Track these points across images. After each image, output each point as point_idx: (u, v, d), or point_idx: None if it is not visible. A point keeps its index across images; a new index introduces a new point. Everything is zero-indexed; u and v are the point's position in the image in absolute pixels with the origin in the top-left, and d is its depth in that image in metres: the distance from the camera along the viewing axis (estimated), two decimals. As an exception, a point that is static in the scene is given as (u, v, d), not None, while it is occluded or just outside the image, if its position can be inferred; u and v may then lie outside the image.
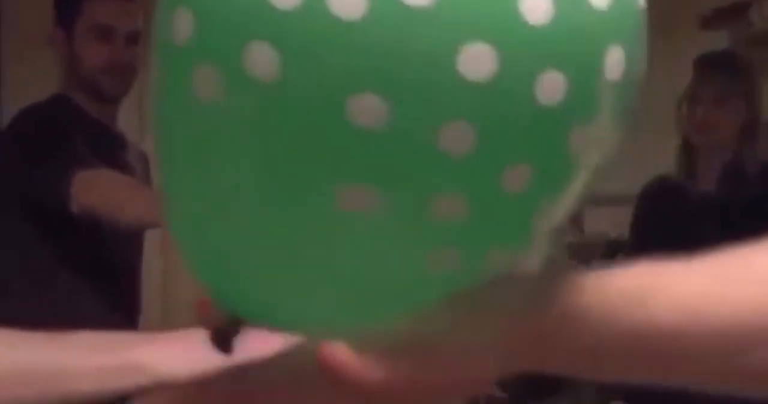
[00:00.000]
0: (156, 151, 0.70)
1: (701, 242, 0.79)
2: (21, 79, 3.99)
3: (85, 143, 2.48)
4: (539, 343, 0.69)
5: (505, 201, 0.65)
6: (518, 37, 0.62)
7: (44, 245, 2.54)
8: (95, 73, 2.57)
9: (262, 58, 0.62)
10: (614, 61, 0.65)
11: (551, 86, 0.63)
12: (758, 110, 2.85)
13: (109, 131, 2.67)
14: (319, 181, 0.63)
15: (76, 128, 2.53)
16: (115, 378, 0.99)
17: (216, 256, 0.69)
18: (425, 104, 0.61)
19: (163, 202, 0.70)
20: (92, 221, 2.37)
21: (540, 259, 0.71)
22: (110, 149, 2.61)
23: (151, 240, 2.80)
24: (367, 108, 0.61)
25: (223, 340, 0.71)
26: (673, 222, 2.87)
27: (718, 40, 3.79)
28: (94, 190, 2.35)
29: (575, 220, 4.50)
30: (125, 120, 2.80)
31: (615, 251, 3.91)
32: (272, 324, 0.71)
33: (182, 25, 0.65)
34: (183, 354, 0.96)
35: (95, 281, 2.56)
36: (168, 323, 3.46)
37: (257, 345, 0.76)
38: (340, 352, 0.65)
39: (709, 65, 2.87)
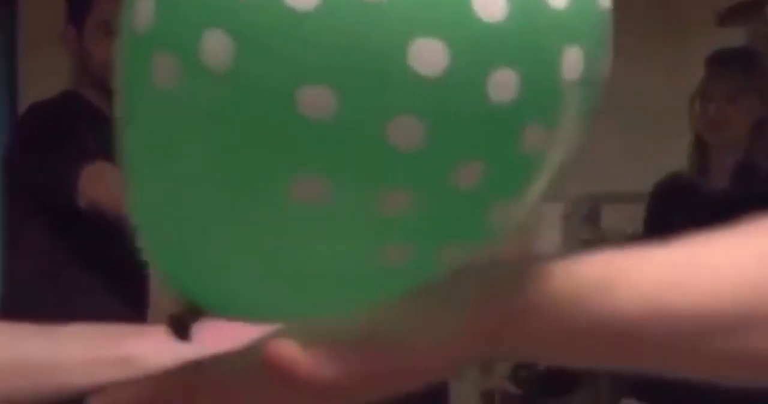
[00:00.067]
0: (119, 140, 0.70)
1: None
2: (36, 75, 4.00)
3: (95, 139, 2.49)
4: (504, 332, 0.68)
5: (456, 198, 0.65)
6: (470, 33, 0.62)
7: (53, 240, 2.55)
8: (105, 69, 2.58)
9: (217, 47, 0.62)
10: (572, 61, 0.65)
11: (504, 84, 0.63)
12: (771, 108, 2.84)
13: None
14: (271, 171, 0.63)
15: (86, 124, 2.54)
16: (105, 370, 1.00)
17: (173, 243, 0.69)
18: (375, 97, 0.61)
19: (127, 190, 0.71)
20: (100, 215, 2.38)
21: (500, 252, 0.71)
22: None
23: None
24: (317, 99, 0.61)
25: (180, 328, 0.72)
26: (686, 220, 2.86)
27: (735, 38, 3.77)
28: (100, 184, 2.36)
29: (592, 217, 4.49)
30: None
31: (631, 248, 3.90)
32: (229, 312, 0.71)
33: (144, 13, 0.66)
34: (173, 346, 0.96)
35: (103, 276, 2.57)
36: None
37: (226, 336, 0.76)
38: (288, 349, 0.65)
39: (721, 62, 2.86)
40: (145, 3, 0.66)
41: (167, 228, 0.69)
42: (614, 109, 4.41)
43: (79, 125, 2.54)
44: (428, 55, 0.61)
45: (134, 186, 0.70)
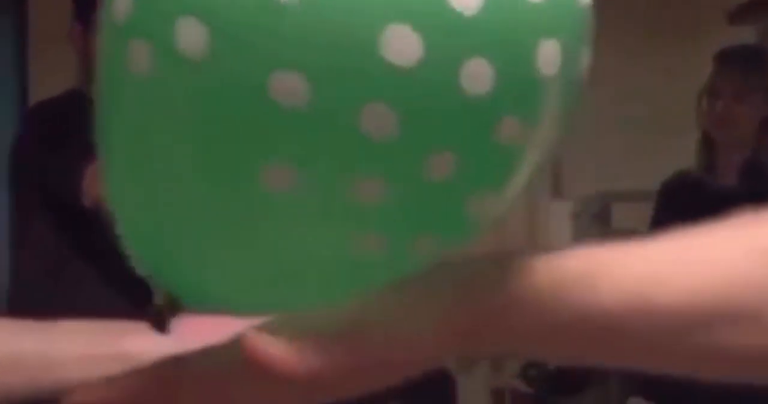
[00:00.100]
0: (97, 131, 0.71)
1: None
2: (47, 74, 4.01)
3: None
4: (486, 326, 0.68)
5: (431, 189, 0.65)
6: (444, 24, 0.62)
7: (59, 237, 2.56)
8: None
9: (191, 34, 0.62)
10: (548, 55, 0.65)
11: (478, 76, 0.63)
12: (778, 106, 2.83)
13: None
14: (243, 158, 0.63)
15: (91, 123, 2.54)
16: (103, 366, 1.00)
17: (149, 233, 0.69)
18: (347, 86, 0.61)
19: (105, 182, 0.71)
20: (104, 214, 2.38)
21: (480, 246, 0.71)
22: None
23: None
24: (290, 87, 0.61)
25: (159, 321, 0.72)
26: (693, 217, 2.84)
27: (745, 36, 3.76)
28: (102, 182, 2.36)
29: (602, 215, 4.48)
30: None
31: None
32: (208, 305, 0.71)
33: (122, 3, 0.66)
34: (170, 343, 0.96)
35: (108, 273, 2.58)
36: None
37: (211, 332, 0.76)
38: (267, 342, 0.65)
39: (729, 60, 2.86)
40: None
41: (143, 218, 0.69)
42: (623, 107, 4.42)
43: (84, 124, 2.54)
44: (402, 45, 0.61)
45: (110, 176, 0.70)
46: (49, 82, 3.17)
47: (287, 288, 0.68)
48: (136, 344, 1.01)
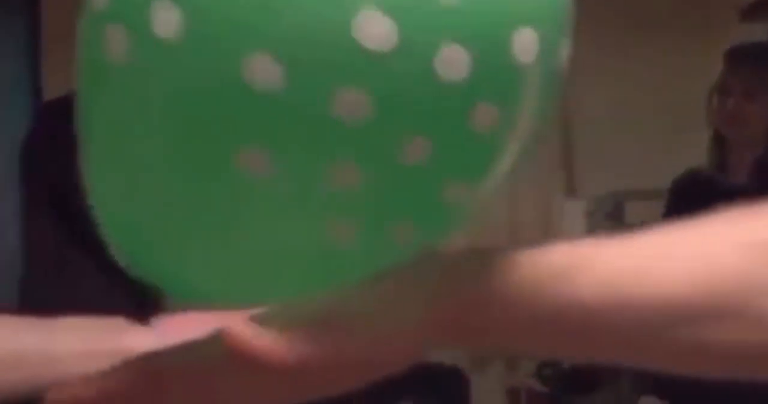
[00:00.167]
0: (79, 121, 0.71)
1: None
2: (59, 72, 4.02)
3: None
4: (467, 320, 0.68)
5: (405, 174, 0.64)
6: (420, 10, 0.62)
7: (65, 234, 2.56)
8: None
9: (166, 18, 0.62)
10: (525, 43, 0.65)
11: (453, 62, 0.62)
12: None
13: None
14: (217, 142, 0.63)
15: None
16: (104, 363, 0.99)
17: (128, 222, 0.69)
18: (319, 69, 0.61)
19: (84, 172, 0.71)
20: None
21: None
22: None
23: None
24: (263, 70, 0.61)
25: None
26: (704, 215, 2.84)
27: (757, 33, 3.74)
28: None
29: (616, 214, 4.47)
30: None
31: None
32: (188, 296, 0.71)
33: None
34: (172, 339, 0.96)
35: (113, 270, 2.58)
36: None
37: (188, 326, 0.76)
38: (249, 332, 0.65)
39: (740, 58, 2.84)
40: None
41: (121, 206, 0.68)
42: (636, 105, 4.38)
43: None
44: (375, 30, 0.61)
45: (90, 165, 0.70)
46: (61, 80, 3.17)
47: (265, 276, 0.68)
48: (138, 340, 1.01)
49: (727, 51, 2.88)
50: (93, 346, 1.01)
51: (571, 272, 0.68)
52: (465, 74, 0.63)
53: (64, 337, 1.03)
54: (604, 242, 0.70)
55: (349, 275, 0.68)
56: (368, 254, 0.67)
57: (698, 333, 0.69)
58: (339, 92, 0.62)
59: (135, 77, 0.64)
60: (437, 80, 0.63)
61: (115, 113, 0.66)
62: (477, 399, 4.27)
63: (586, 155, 4.56)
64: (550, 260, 0.69)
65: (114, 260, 0.71)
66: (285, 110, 0.62)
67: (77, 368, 1.00)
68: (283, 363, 0.65)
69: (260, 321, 0.65)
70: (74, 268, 2.59)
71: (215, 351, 0.66)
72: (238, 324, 0.65)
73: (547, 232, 4.45)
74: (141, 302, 2.59)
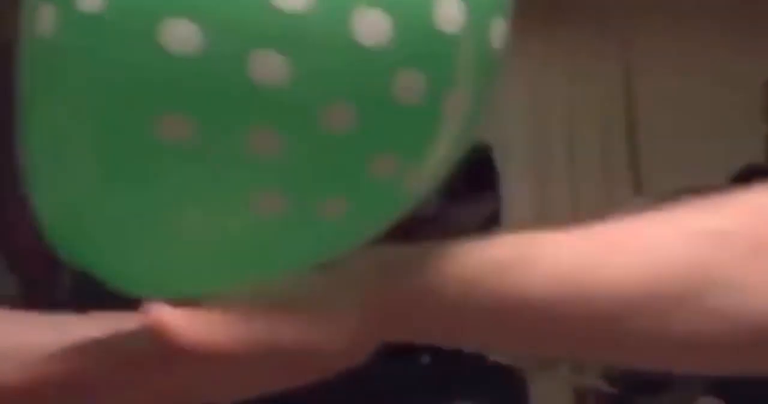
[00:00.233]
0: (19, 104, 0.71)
1: None
2: None
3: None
4: (401, 314, 0.67)
5: (326, 143, 0.63)
6: None
7: None
8: None
9: None
10: (449, 13, 0.64)
11: (373, 26, 0.62)
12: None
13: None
14: (138, 109, 0.63)
15: None
16: None
17: (59, 203, 0.68)
18: (236, 31, 0.61)
19: (25, 162, 0.70)
20: None
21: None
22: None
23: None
24: (180, 34, 0.61)
25: None
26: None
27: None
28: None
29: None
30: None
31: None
32: (125, 284, 0.70)
33: None
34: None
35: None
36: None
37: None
38: (171, 313, 0.64)
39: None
40: None
41: (53, 190, 0.68)
42: (697, 104, 4.34)
43: None
44: None
45: (29, 154, 0.70)
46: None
47: (198, 257, 0.67)
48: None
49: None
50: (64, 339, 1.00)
51: (518, 265, 0.67)
52: (385, 39, 0.62)
53: (73, 333, 1.03)
54: (553, 234, 0.69)
55: (281, 254, 0.67)
56: (299, 231, 0.66)
57: (653, 325, 0.68)
58: (256, 55, 0.61)
59: (61, 52, 0.65)
60: (356, 44, 0.62)
61: (45, 91, 0.67)
62: (541, 401, 4.25)
63: (652, 154, 4.53)
64: (495, 253, 0.68)
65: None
66: (203, 74, 0.61)
67: None
68: (217, 350, 0.64)
69: (200, 308, 0.65)
70: None
71: (145, 339, 0.65)
72: (169, 312, 0.64)
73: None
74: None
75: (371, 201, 0.67)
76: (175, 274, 0.68)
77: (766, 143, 2.89)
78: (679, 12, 4.46)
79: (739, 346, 0.68)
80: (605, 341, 0.69)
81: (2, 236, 2.20)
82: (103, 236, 0.67)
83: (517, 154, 4.71)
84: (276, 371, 0.67)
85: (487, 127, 4.36)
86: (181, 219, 0.65)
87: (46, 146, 0.67)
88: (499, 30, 0.67)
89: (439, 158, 0.67)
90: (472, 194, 3.98)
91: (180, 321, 0.63)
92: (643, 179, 4.61)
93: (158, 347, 0.63)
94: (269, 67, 0.61)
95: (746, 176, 2.97)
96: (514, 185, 4.49)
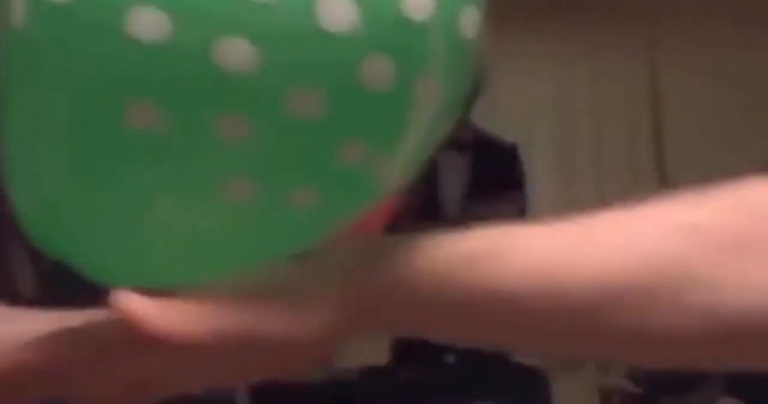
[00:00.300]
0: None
1: None
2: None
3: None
4: (375, 306, 0.67)
5: (295, 129, 0.64)
6: None
7: None
8: None
9: None
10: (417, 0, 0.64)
11: (339, 13, 0.62)
12: None
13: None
14: (107, 98, 0.63)
15: None
16: None
17: (37, 200, 0.69)
18: (203, 19, 0.61)
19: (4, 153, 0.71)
20: None
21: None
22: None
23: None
24: (147, 22, 0.61)
25: None
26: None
27: None
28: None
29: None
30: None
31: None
32: (103, 276, 0.70)
33: None
34: None
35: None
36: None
37: None
38: (141, 302, 0.64)
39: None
40: None
41: (30, 177, 0.68)
42: (723, 107, 4.30)
43: None
44: None
45: (6, 143, 0.70)
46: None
47: (172, 246, 0.67)
48: None
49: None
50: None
51: (488, 257, 0.67)
52: (352, 26, 0.62)
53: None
54: (527, 227, 0.69)
55: (253, 243, 0.67)
56: (270, 218, 0.66)
57: (628, 319, 0.67)
58: (223, 43, 0.61)
59: (32, 43, 0.65)
60: (323, 32, 0.62)
61: (19, 82, 0.67)
62: (565, 401, 4.24)
63: (677, 153, 4.51)
64: (466, 246, 0.68)
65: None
66: (171, 62, 0.62)
67: None
68: (192, 340, 0.64)
69: (170, 299, 0.65)
70: None
71: (117, 331, 0.65)
72: (138, 302, 0.64)
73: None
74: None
75: (341, 189, 0.67)
76: (150, 263, 0.68)
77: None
78: (704, 10, 4.44)
79: (716, 341, 0.67)
80: (579, 335, 0.68)
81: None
82: (77, 226, 0.68)
83: (543, 153, 4.71)
84: (250, 361, 0.67)
85: (513, 126, 4.35)
86: (153, 208, 0.66)
87: (22, 137, 0.68)
88: (470, 19, 0.67)
89: (410, 147, 0.67)
90: (498, 194, 3.98)
91: (153, 311, 0.63)
92: (669, 178, 4.59)
93: (131, 336, 0.63)
94: (237, 54, 0.61)
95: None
96: (540, 185, 4.48)
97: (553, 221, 0.69)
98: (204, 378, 0.68)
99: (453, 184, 3.89)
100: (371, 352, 3.65)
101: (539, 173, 4.51)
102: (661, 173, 4.69)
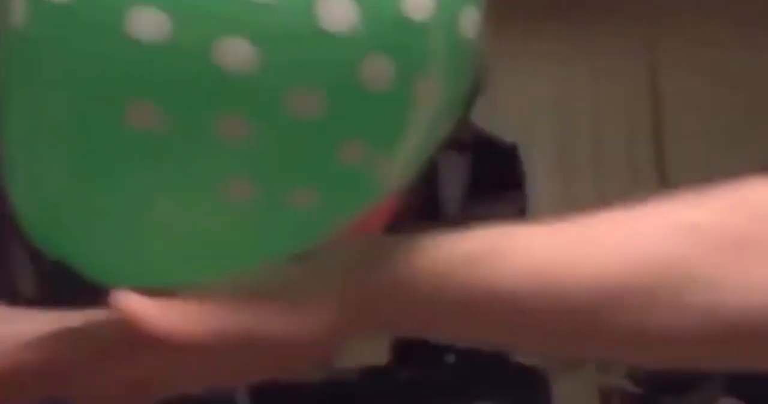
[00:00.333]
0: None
1: None
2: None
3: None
4: (375, 306, 0.67)
5: (295, 129, 0.63)
6: None
7: None
8: None
9: None
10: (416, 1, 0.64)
11: (339, 13, 0.62)
12: None
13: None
14: (106, 98, 0.63)
15: None
16: None
17: (37, 200, 0.69)
18: (203, 19, 0.61)
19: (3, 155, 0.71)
20: None
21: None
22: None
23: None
24: (148, 22, 0.61)
25: None
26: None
27: None
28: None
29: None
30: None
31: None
32: (103, 276, 0.70)
33: None
34: None
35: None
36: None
37: None
38: (141, 302, 0.64)
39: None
40: None
41: (30, 179, 0.68)
42: (723, 108, 4.30)
43: None
44: None
45: (7, 143, 0.70)
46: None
47: (173, 247, 0.67)
48: None
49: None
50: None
51: (488, 257, 0.67)
52: (352, 27, 0.62)
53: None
54: (527, 227, 0.69)
55: (253, 243, 0.67)
56: (270, 218, 0.66)
57: (628, 319, 0.67)
58: (223, 43, 0.61)
59: (32, 43, 0.65)
60: (323, 32, 0.62)
61: (19, 82, 0.67)
62: (565, 401, 4.24)
63: (677, 153, 4.51)
64: (466, 246, 0.68)
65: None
66: (171, 62, 0.62)
67: None
68: (191, 340, 0.64)
69: (170, 299, 0.65)
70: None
71: (116, 331, 0.65)
72: (138, 301, 0.64)
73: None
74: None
75: (341, 189, 0.67)
76: (150, 263, 0.68)
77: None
78: (704, 10, 4.44)
79: (716, 341, 0.67)
80: (579, 335, 0.68)
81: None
82: (77, 226, 0.68)
83: (543, 153, 4.70)
84: (250, 361, 0.67)
85: (513, 126, 4.34)
86: (153, 208, 0.66)
87: (22, 137, 0.68)
88: (470, 19, 0.67)
89: (410, 147, 0.67)
90: (498, 194, 3.98)
91: (153, 311, 0.63)
92: (669, 178, 4.59)
93: (131, 336, 0.63)
94: (237, 54, 0.61)
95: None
96: (540, 185, 4.48)
97: (553, 221, 0.69)
98: (204, 378, 0.68)
99: (453, 184, 3.88)
100: (371, 352, 3.65)
101: (539, 173, 4.50)
102: (661, 173, 4.69)
